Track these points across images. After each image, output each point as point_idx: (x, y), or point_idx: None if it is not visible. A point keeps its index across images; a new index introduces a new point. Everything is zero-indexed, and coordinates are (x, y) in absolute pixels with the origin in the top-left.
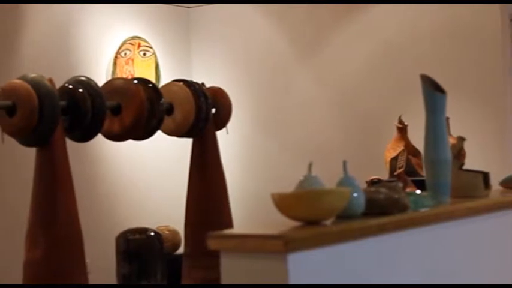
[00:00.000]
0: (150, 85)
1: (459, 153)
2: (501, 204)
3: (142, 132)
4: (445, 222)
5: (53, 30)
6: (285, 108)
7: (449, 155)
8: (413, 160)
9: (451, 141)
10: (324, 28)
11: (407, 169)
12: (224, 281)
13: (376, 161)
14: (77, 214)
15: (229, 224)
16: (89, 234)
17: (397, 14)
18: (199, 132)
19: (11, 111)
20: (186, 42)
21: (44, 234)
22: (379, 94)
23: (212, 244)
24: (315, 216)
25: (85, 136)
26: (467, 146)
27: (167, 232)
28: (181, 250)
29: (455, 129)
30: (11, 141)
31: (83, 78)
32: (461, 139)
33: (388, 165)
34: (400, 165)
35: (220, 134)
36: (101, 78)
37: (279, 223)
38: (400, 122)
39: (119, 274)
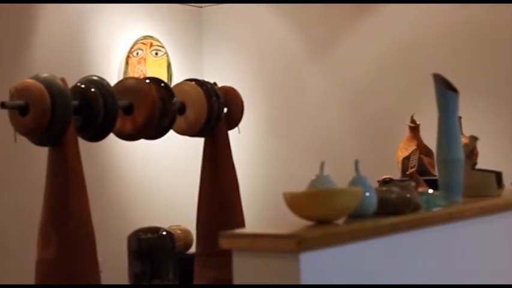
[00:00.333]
0: (162, 84)
1: (471, 153)
2: None
3: (154, 131)
4: (457, 221)
5: (65, 30)
6: (297, 108)
7: (461, 154)
8: (426, 159)
9: (464, 140)
10: (336, 28)
11: (420, 168)
12: (236, 280)
13: (388, 161)
14: (89, 214)
15: (241, 223)
16: (101, 233)
17: (410, 13)
18: (211, 132)
19: (23, 110)
20: (197, 41)
21: (57, 234)
22: (391, 93)
23: (224, 243)
24: (327, 215)
25: (97, 136)
26: (479, 146)
27: (179, 231)
28: (193, 249)
29: (468, 128)
30: (23, 141)
31: (95, 77)
32: (473, 138)
33: (400, 165)
34: (412, 165)
35: (232, 134)
36: (113, 78)
37: (290, 222)
38: (412, 121)
39: (131, 273)
